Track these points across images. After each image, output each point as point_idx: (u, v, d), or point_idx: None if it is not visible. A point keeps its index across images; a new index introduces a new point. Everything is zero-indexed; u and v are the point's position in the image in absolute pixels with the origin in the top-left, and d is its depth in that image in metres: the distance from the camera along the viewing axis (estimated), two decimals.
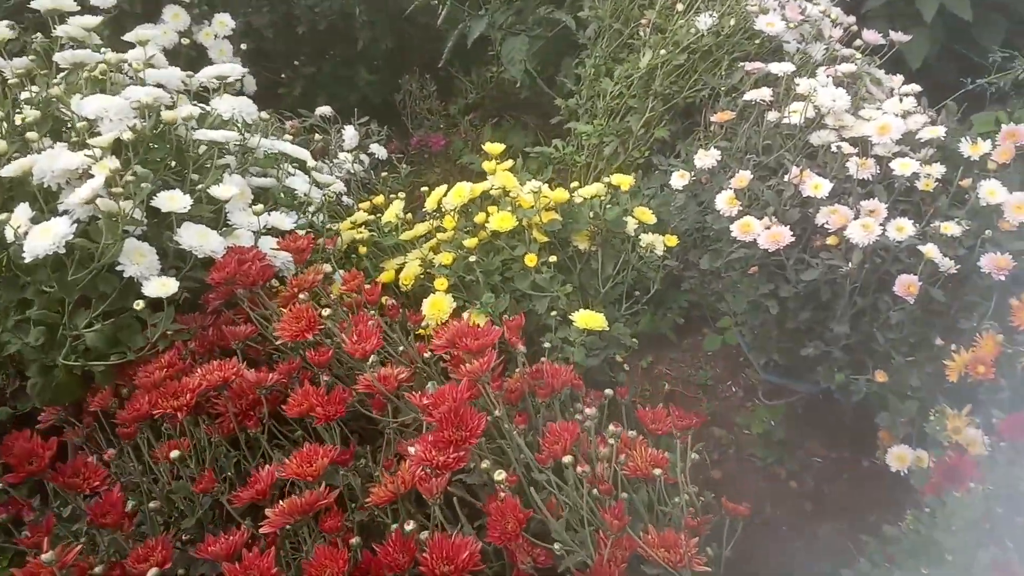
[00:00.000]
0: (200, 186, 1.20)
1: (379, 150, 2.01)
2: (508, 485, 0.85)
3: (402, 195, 1.66)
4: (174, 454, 0.98)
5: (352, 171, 1.88)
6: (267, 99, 2.76)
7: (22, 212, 1.10)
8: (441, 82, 3.12)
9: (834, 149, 1.65)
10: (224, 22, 2.08)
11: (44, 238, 1.04)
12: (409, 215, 1.75)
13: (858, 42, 2.08)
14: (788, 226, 1.60)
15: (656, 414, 1.11)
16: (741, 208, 1.66)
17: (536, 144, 3.08)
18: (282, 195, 1.37)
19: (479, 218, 1.49)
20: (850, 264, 1.51)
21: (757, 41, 2.08)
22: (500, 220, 1.44)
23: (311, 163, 1.40)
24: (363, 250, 1.52)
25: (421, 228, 1.53)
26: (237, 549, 0.84)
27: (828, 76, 1.85)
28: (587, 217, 1.45)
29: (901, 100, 1.75)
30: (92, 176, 1.09)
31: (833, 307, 1.62)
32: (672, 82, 2.18)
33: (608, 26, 2.45)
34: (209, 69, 1.37)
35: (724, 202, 1.68)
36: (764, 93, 1.82)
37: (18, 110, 1.25)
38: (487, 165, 1.53)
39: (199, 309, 1.23)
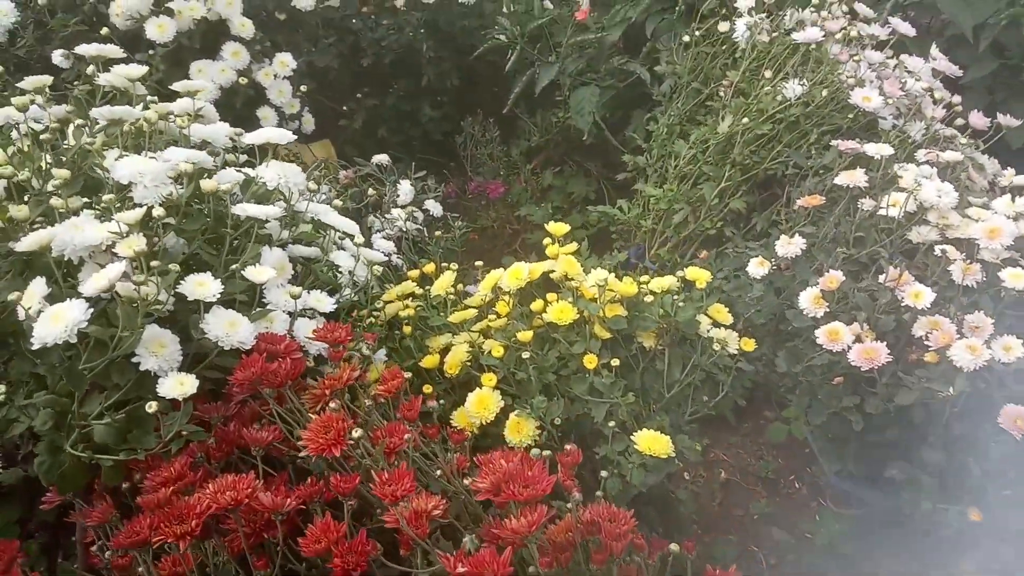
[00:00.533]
0: (234, 267, 1.09)
1: (434, 207, 1.90)
2: None
3: (454, 266, 1.53)
4: None
5: (404, 229, 1.77)
6: (327, 129, 2.69)
7: (37, 288, 1.00)
8: (504, 122, 3.02)
9: (938, 252, 1.48)
10: (285, 62, 1.99)
11: (55, 325, 0.94)
12: (460, 285, 1.62)
13: (959, 121, 1.90)
14: (882, 338, 1.43)
15: None
16: (828, 309, 1.50)
17: (598, 193, 2.95)
18: (325, 270, 1.26)
19: (536, 305, 1.35)
20: (952, 390, 1.33)
21: (850, 115, 1.91)
22: (559, 312, 1.30)
23: (359, 239, 1.28)
24: (408, 330, 1.40)
25: (471, 311, 1.40)
26: None
27: (928, 162, 1.67)
28: (656, 316, 1.30)
29: (1013, 199, 1.56)
30: (115, 253, 0.99)
31: (926, 430, 1.44)
32: (752, 151, 2.02)
33: (686, 84, 2.31)
34: (260, 133, 1.27)
35: (809, 301, 1.52)
36: (858, 178, 1.65)
37: (50, 165, 1.16)
38: (550, 249, 1.40)
39: (222, 397, 1.12)
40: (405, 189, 1.85)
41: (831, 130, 1.95)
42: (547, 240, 1.49)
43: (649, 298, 1.29)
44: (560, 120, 2.86)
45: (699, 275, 1.36)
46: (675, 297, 1.29)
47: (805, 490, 2.01)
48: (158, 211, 1.01)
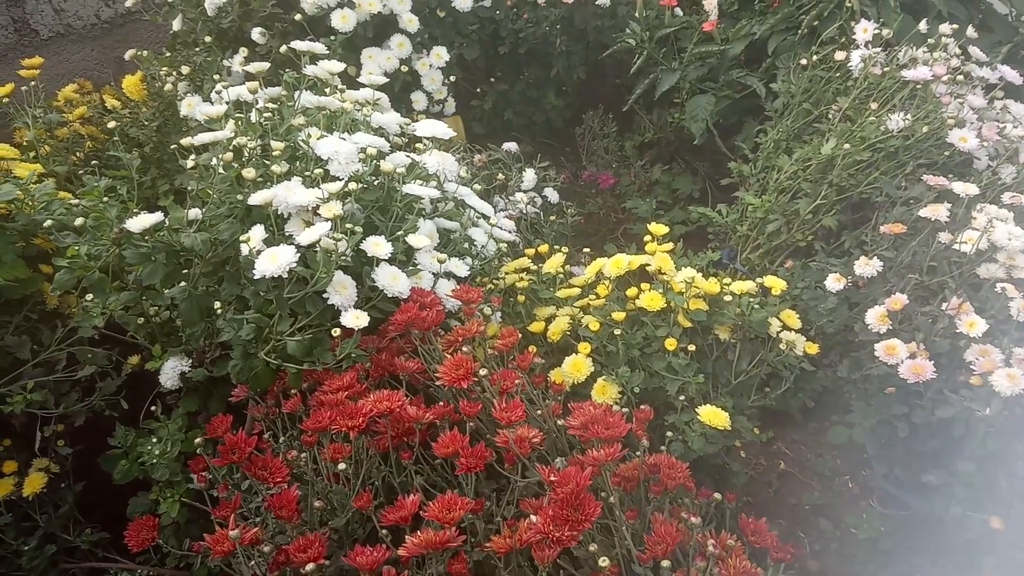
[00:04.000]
0: (399, 233, 1.39)
1: (552, 194, 2.17)
2: (610, 573, 0.98)
3: (565, 249, 1.80)
4: (341, 466, 1.18)
5: (524, 211, 2.04)
6: (461, 108, 2.99)
7: (257, 233, 1.33)
8: (621, 116, 3.24)
9: (998, 289, 1.65)
10: (440, 55, 2.29)
11: (272, 263, 1.26)
12: (567, 265, 1.89)
13: None
14: (934, 358, 1.62)
15: (758, 526, 1.20)
16: (891, 327, 1.69)
17: (702, 192, 3.15)
18: (462, 241, 1.55)
19: (631, 291, 1.61)
20: (988, 410, 1.51)
21: (946, 152, 2.06)
22: (649, 299, 1.55)
23: (493, 220, 1.56)
24: (521, 299, 1.68)
25: (575, 290, 1.67)
26: (379, 564, 1.02)
27: (1012, 205, 1.82)
28: (733, 314, 1.53)
29: None
30: (318, 214, 1.31)
31: (963, 444, 1.62)
32: (851, 175, 2.19)
33: (797, 103, 2.48)
34: (427, 126, 1.56)
35: (875, 318, 1.71)
36: (941, 212, 1.82)
37: (264, 139, 1.50)
38: (649, 246, 1.65)
39: (378, 333, 1.44)
40: (529, 176, 2.13)
41: (927, 164, 2.10)
42: (647, 236, 1.74)
43: (728, 298, 1.53)
44: (675, 120, 3.06)
45: (776, 283, 1.58)
46: (751, 300, 1.52)
47: (857, 489, 2.19)
48: (352, 185, 1.32)
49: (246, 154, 1.42)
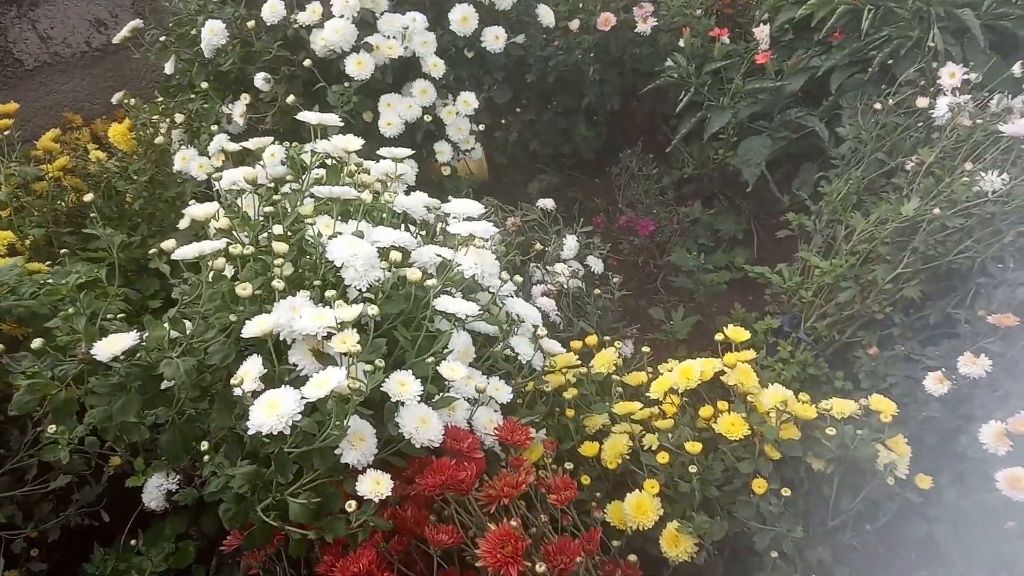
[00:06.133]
0: (429, 360, 1.13)
1: (595, 263, 1.89)
2: None
3: (618, 344, 1.54)
4: None
5: (566, 285, 1.77)
6: (484, 139, 2.71)
7: (253, 368, 1.06)
8: (658, 146, 2.96)
9: None
10: (468, 101, 2.02)
11: (271, 413, 1.00)
12: (618, 348, 1.62)
13: None
14: None
15: None
16: (1011, 449, 1.41)
17: (746, 233, 2.87)
18: (504, 353, 1.28)
19: (704, 411, 1.34)
20: None
21: None
22: (729, 425, 1.28)
23: (542, 331, 1.29)
24: (570, 413, 1.41)
25: (635, 404, 1.40)
26: None
27: None
28: (832, 446, 1.26)
29: None
30: (330, 345, 1.04)
31: None
32: (938, 241, 1.91)
33: (869, 152, 2.20)
34: (458, 206, 1.30)
35: (991, 436, 1.43)
36: None
37: (264, 228, 1.23)
38: (727, 358, 1.37)
39: (401, 477, 1.17)
40: (570, 245, 1.85)
41: None
42: (720, 336, 1.47)
43: (831, 431, 1.25)
44: (719, 156, 2.78)
45: (885, 406, 1.31)
46: (857, 432, 1.25)
47: None
48: (372, 309, 1.05)
49: (239, 262, 1.15)
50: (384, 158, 1.37)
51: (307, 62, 1.84)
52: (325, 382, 0.98)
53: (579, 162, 3.20)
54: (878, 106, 2.16)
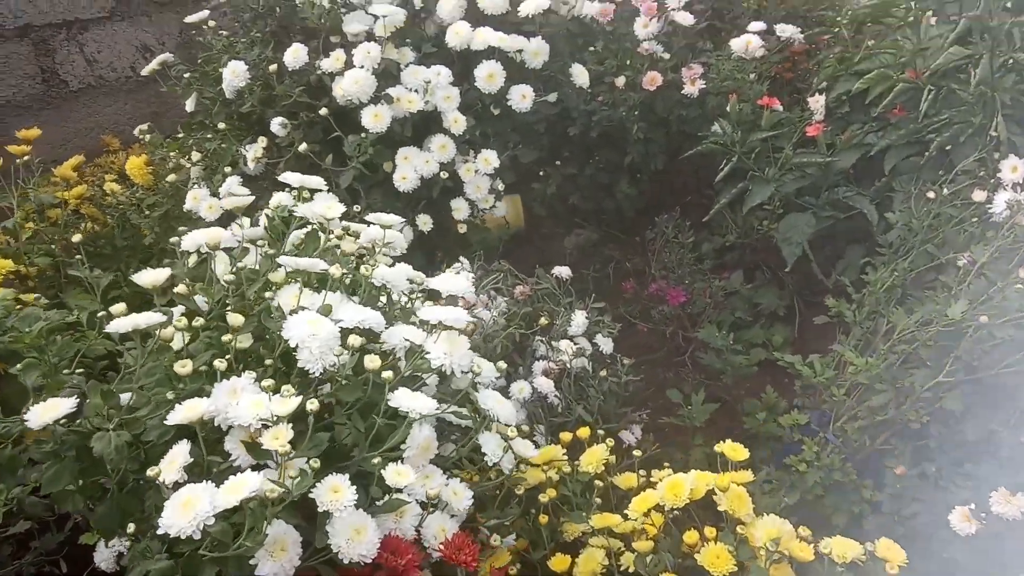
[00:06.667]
0: (375, 460, 1.03)
1: (605, 343, 1.77)
2: None
3: (610, 442, 1.41)
4: None
5: (569, 365, 1.66)
6: (519, 185, 2.61)
7: (179, 456, 0.98)
8: (699, 209, 2.83)
9: None
10: (489, 160, 1.93)
11: (184, 514, 0.91)
12: (612, 447, 1.50)
13: None
14: None
15: None
16: None
17: (788, 310, 2.70)
18: (466, 452, 1.18)
19: (689, 537, 1.20)
20: None
21: None
22: (715, 557, 1.14)
23: (512, 432, 1.18)
24: (544, 519, 1.29)
25: (615, 518, 1.27)
26: None
27: None
28: None
29: None
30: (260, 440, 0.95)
31: None
32: (984, 352, 1.73)
33: (918, 242, 2.03)
34: (444, 281, 1.21)
35: None
36: None
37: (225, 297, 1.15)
38: (720, 480, 1.24)
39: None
40: (579, 321, 1.74)
41: None
42: (719, 448, 1.33)
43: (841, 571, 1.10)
44: (763, 227, 2.63)
45: (892, 555, 1.15)
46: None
47: None
48: (311, 404, 0.96)
49: (187, 337, 1.07)
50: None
51: (323, 111, 1.78)
52: (240, 487, 0.89)
53: (619, 218, 3.10)
54: (931, 195, 2.00)
